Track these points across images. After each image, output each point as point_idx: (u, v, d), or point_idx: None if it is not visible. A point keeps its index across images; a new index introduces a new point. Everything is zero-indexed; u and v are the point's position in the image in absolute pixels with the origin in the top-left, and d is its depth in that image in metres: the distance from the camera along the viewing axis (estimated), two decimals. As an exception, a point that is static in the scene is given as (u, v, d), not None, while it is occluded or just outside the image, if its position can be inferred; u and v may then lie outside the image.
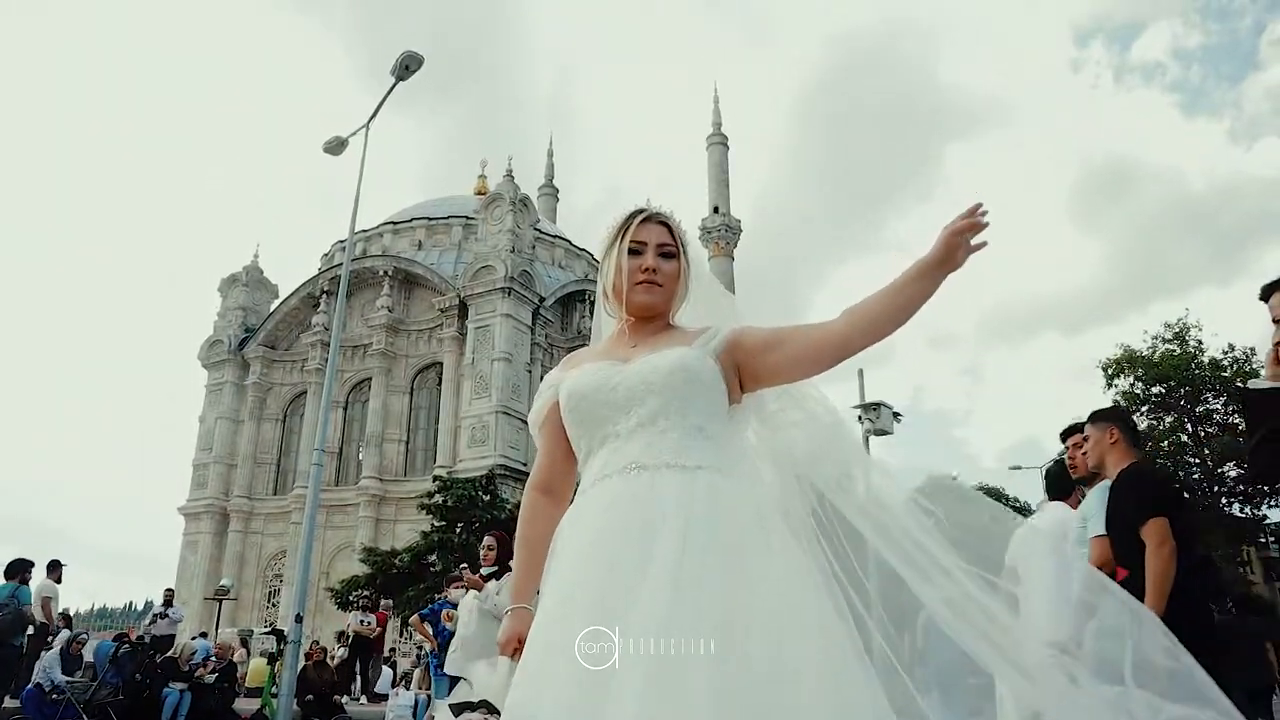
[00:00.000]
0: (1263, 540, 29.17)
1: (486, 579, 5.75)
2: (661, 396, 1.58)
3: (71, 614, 16.68)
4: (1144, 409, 27.53)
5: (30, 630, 9.94)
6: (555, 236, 45.82)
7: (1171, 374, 26.71)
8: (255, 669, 15.45)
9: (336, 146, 13.64)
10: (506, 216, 38.70)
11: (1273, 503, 26.40)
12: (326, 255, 46.08)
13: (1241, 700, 8.58)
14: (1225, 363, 26.68)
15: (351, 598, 24.94)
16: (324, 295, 40.94)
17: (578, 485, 1.67)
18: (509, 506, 26.30)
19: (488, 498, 28.32)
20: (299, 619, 10.11)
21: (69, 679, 10.02)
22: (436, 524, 27.59)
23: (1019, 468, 45.33)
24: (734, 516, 1.47)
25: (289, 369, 42.46)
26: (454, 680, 5.68)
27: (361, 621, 16.44)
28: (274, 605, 37.78)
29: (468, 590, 6.05)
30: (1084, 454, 3.80)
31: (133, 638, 12.47)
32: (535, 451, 1.83)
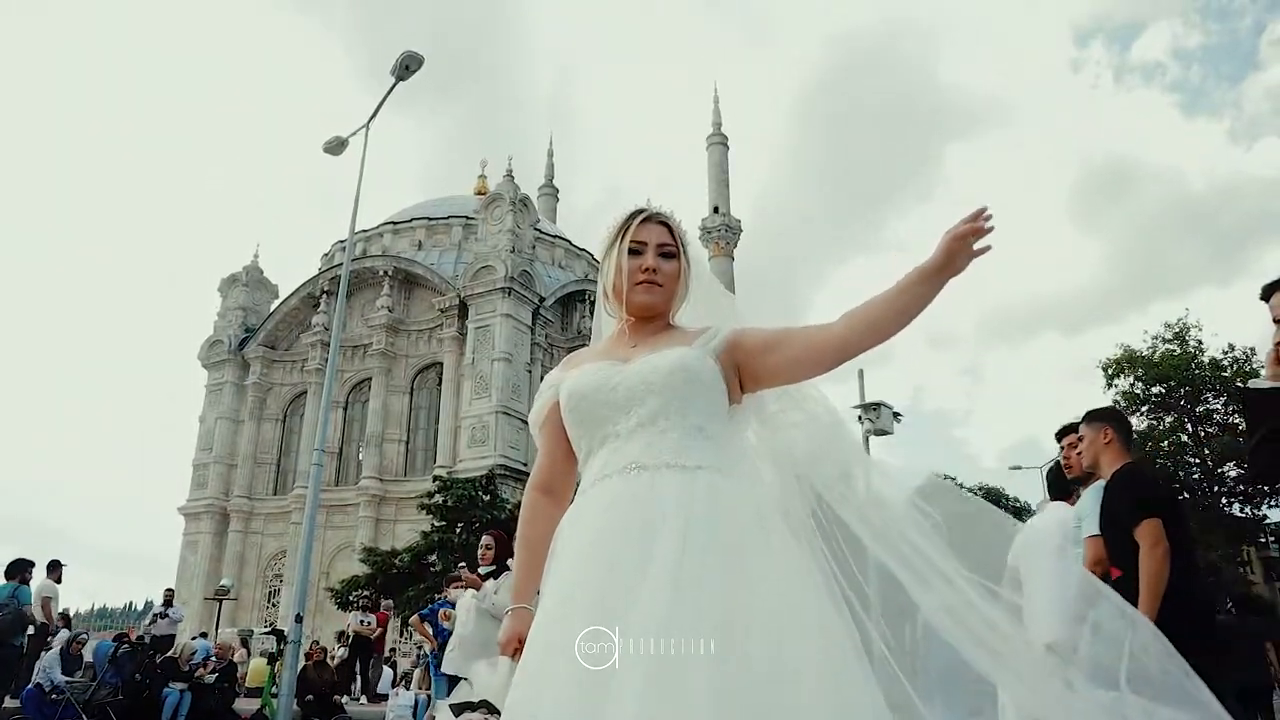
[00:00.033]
0: (1263, 540, 29.18)
1: (485, 578, 5.75)
2: (661, 396, 1.58)
3: (71, 614, 16.69)
4: (1144, 409, 27.53)
5: (30, 630, 9.94)
6: (555, 236, 45.83)
7: (1171, 374, 26.71)
8: (255, 669, 15.45)
9: (336, 146, 13.64)
10: (506, 216, 38.71)
11: (1273, 503, 26.41)
12: (326, 255, 46.10)
13: (1239, 701, 8.59)
14: (1225, 363, 26.68)
15: (351, 598, 24.95)
16: (324, 295, 40.95)
17: (578, 485, 1.67)
18: (509, 506, 26.30)
19: (488, 498, 28.32)
20: (299, 619, 10.11)
21: (68, 679, 10.02)
22: (436, 524, 27.59)
23: (1019, 468, 45.32)
24: (734, 516, 1.47)
25: (289, 369, 42.47)
26: (452, 680, 5.68)
27: (361, 621, 16.45)
28: (274, 605, 37.79)
29: (466, 589, 6.05)
30: (1079, 454, 3.81)
31: (133, 638, 12.47)
32: (535, 451, 1.83)
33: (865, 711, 1.34)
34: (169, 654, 11.33)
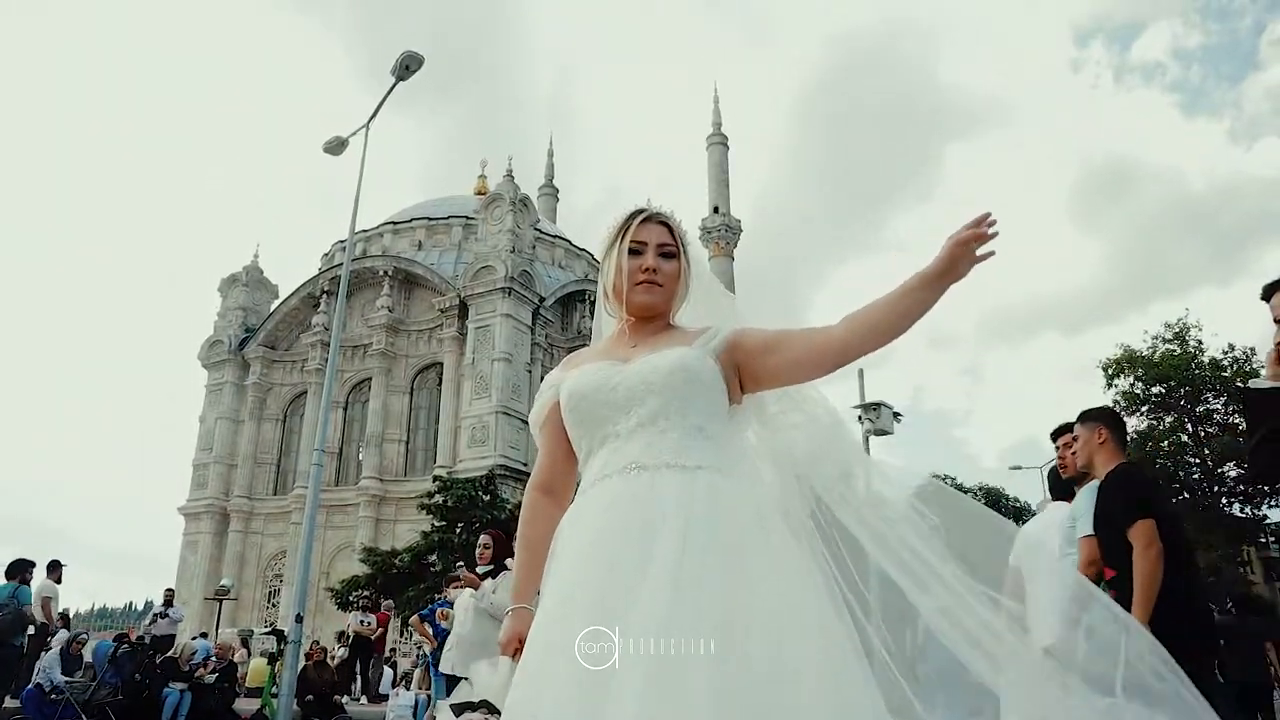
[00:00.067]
0: (1263, 540, 29.18)
1: (483, 577, 5.75)
2: (661, 397, 1.58)
3: (71, 614, 16.68)
4: (1144, 409, 27.54)
5: (30, 630, 9.94)
6: (555, 236, 45.83)
7: (1171, 374, 26.72)
8: (255, 669, 15.45)
9: (336, 146, 13.65)
10: (506, 216, 38.71)
11: (1273, 503, 26.42)
12: (326, 255, 46.10)
13: (1239, 700, 8.58)
14: (1225, 363, 26.69)
15: (351, 598, 24.94)
16: (324, 295, 40.95)
17: (578, 485, 1.67)
18: (509, 506, 26.30)
19: (488, 498, 28.32)
20: (299, 619, 10.11)
21: (68, 679, 10.02)
22: (436, 524, 27.59)
23: (1019, 468, 45.39)
24: (734, 516, 1.47)
25: (289, 369, 42.47)
26: (451, 679, 5.68)
27: (362, 622, 16.46)
28: (274, 605, 37.79)
29: (464, 589, 6.06)
30: (1073, 454, 3.82)
31: (133, 638, 12.47)
32: (536, 451, 1.83)
33: (865, 712, 1.34)
34: (169, 654, 11.33)
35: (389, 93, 12.90)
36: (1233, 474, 26.42)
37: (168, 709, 10.32)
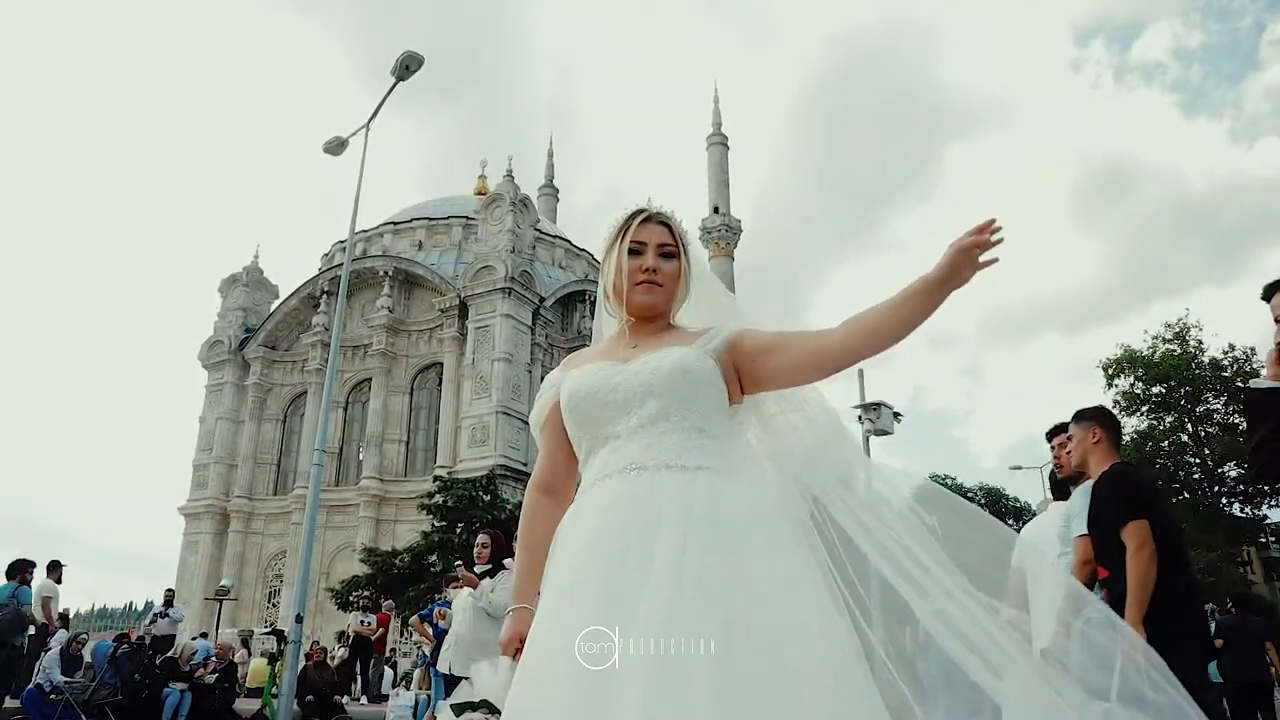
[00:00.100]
0: (1263, 540, 29.18)
1: (481, 577, 5.75)
2: (661, 398, 1.58)
3: (71, 614, 16.69)
4: (1144, 409, 27.57)
5: (31, 630, 9.95)
6: (555, 236, 45.84)
7: (1171, 374, 26.74)
8: (256, 669, 15.46)
9: (336, 146, 13.65)
10: (506, 216, 38.72)
11: (1273, 503, 26.44)
12: (326, 255, 46.10)
13: (1240, 699, 8.58)
14: (1225, 363, 26.71)
15: (352, 598, 24.94)
16: (324, 295, 40.94)
17: (579, 485, 1.67)
18: (509, 507, 26.30)
19: (488, 498, 28.33)
20: (299, 619, 10.12)
21: (67, 679, 10.03)
22: (437, 524, 27.59)
23: (1019, 468, 45.29)
24: (734, 517, 1.47)
25: (289, 369, 42.47)
26: (449, 678, 5.68)
27: (362, 622, 16.47)
28: (274, 605, 37.78)
29: (463, 588, 6.06)
30: (1068, 454, 3.82)
31: (133, 638, 12.47)
32: (536, 452, 1.83)
33: (865, 712, 1.34)
34: (169, 654, 11.34)
35: (389, 93, 12.91)
36: (1233, 474, 26.45)
37: (168, 709, 10.32)
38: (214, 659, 11.87)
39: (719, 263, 49.95)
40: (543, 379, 1.84)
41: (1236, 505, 27.32)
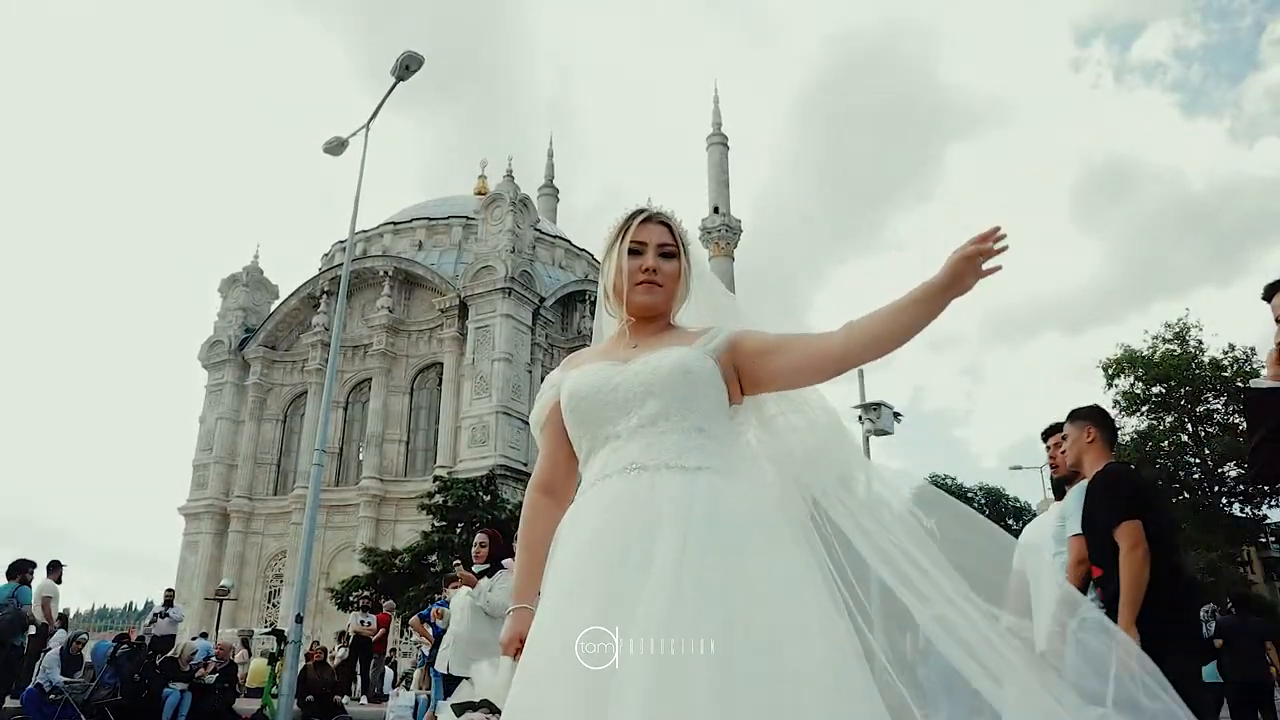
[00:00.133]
0: (1263, 540, 29.19)
1: (479, 576, 5.75)
2: (661, 398, 1.58)
3: (71, 614, 16.70)
4: (1144, 409, 27.59)
5: (31, 630, 9.95)
6: (555, 236, 45.85)
7: (1171, 374, 26.76)
8: (256, 669, 15.46)
9: (336, 147, 13.66)
10: (506, 216, 38.73)
11: (1273, 503, 26.45)
12: (326, 255, 46.11)
13: (1240, 699, 8.58)
14: (1225, 363, 26.74)
15: (352, 598, 24.95)
16: (324, 295, 40.95)
17: (579, 485, 1.67)
18: (509, 507, 26.32)
19: (488, 498, 28.34)
20: (299, 619, 10.12)
21: (67, 679, 10.03)
22: (437, 524, 27.60)
23: (1019, 468, 45.30)
24: (734, 517, 1.47)
25: (289, 369, 42.48)
26: (448, 678, 5.68)
27: (362, 622, 16.47)
28: (274, 605, 37.79)
29: (461, 587, 6.07)
30: (1063, 454, 3.83)
31: (133, 638, 12.48)
32: (536, 452, 1.83)
33: (865, 712, 1.35)
34: (169, 654, 11.33)
35: (389, 93, 12.92)
36: (1233, 474, 26.46)
37: (168, 709, 10.32)
38: (214, 659, 11.87)
39: (719, 263, 49.96)
40: (543, 379, 1.84)
41: (1236, 505, 27.34)
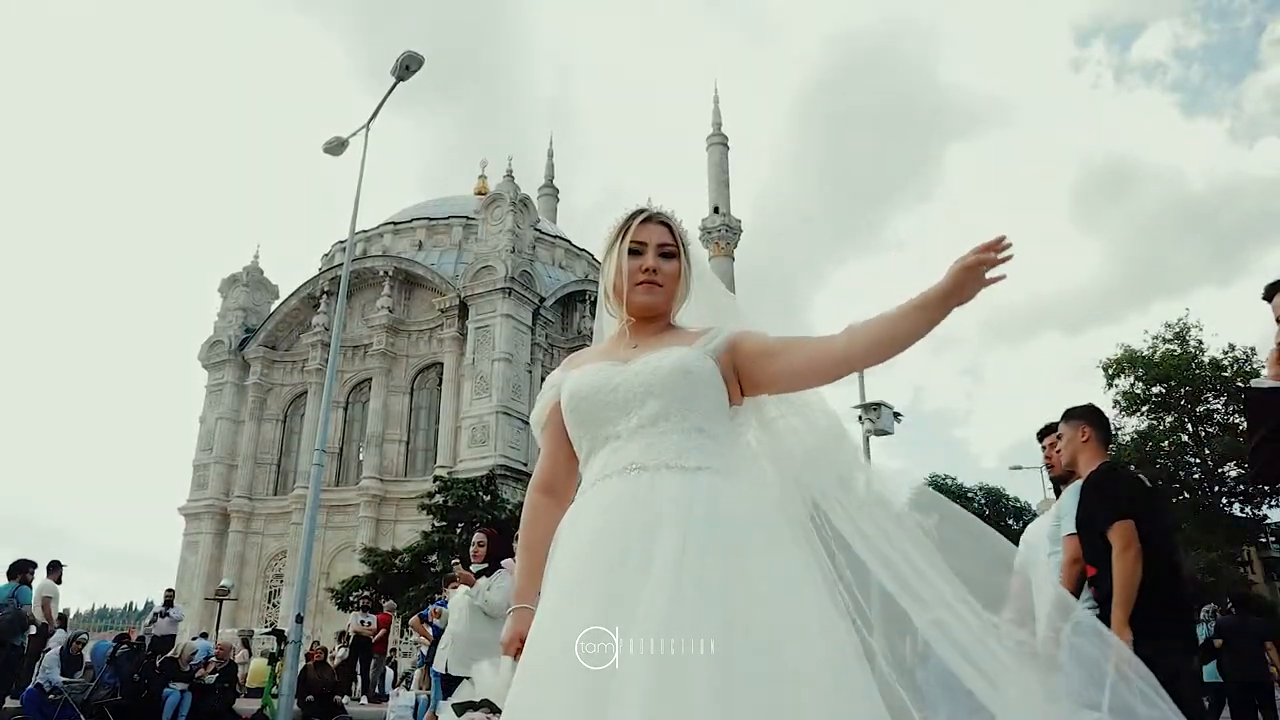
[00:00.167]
0: (1263, 540, 29.18)
1: (478, 575, 5.75)
2: (661, 398, 1.58)
3: (71, 614, 16.69)
4: (1144, 409, 27.59)
5: (31, 630, 9.95)
6: (555, 237, 45.85)
7: (1171, 374, 26.76)
8: (256, 669, 15.45)
9: (336, 147, 13.66)
10: (507, 216, 38.73)
11: (1273, 503, 26.45)
12: (326, 255, 46.10)
13: (1242, 698, 8.59)
14: (1225, 363, 26.74)
15: (352, 598, 24.96)
16: (324, 295, 40.96)
17: (579, 485, 1.67)
18: (509, 507, 26.33)
19: (488, 498, 28.34)
20: (299, 619, 10.12)
21: (67, 679, 10.03)
22: (437, 524, 27.60)
23: (1019, 468, 45.18)
24: (734, 517, 1.47)
25: (289, 369, 42.49)
26: (446, 677, 5.68)
27: (362, 622, 16.47)
28: (274, 605, 37.79)
29: (459, 587, 6.06)
30: (1058, 453, 3.83)
31: (133, 638, 12.47)
32: (536, 451, 1.83)
33: (865, 712, 1.35)
34: (169, 654, 11.33)
35: (389, 93, 12.92)
36: (1233, 474, 26.47)
37: (168, 709, 10.32)
38: (214, 659, 11.87)
39: (719, 263, 49.96)
40: (543, 379, 1.85)
41: (1236, 505, 27.34)
